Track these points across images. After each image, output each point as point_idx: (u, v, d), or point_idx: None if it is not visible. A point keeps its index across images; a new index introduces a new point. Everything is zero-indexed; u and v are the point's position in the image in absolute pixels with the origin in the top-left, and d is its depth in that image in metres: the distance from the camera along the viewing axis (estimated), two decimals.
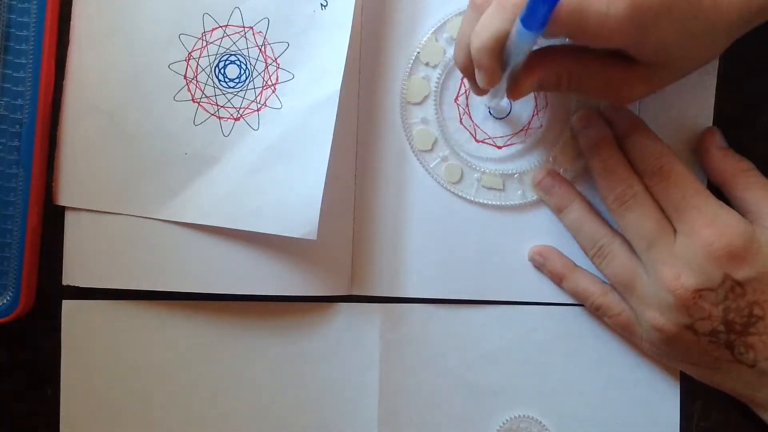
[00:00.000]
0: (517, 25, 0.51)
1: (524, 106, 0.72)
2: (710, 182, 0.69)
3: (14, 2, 0.70)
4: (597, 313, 0.71)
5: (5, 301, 0.71)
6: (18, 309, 0.71)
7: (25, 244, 0.71)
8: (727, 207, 0.64)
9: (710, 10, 0.56)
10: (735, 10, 0.57)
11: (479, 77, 0.59)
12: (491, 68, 0.58)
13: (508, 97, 0.62)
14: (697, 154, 0.71)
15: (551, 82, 0.62)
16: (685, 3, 0.56)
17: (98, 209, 0.72)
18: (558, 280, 0.72)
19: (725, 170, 0.68)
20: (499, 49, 0.57)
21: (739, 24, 0.58)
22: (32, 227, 0.71)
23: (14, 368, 0.75)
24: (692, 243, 0.62)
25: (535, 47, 0.63)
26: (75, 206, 0.72)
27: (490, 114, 0.72)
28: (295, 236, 0.68)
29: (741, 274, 0.61)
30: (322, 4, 0.69)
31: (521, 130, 0.72)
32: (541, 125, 0.72)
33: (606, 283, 0.70)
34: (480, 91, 0.66)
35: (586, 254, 0.70)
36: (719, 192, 0.68)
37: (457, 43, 0.63)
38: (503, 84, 0.62)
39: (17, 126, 0.70)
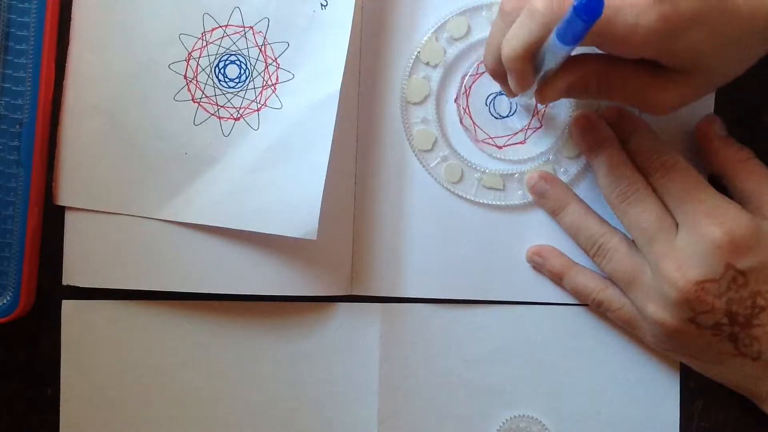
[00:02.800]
0: (553, 37, 0.52)
1: (524, 107, 0.72)
2: (710, 173, 0.69)
3: (14, 2, 0.70)
4: (599, 309, 0.71)
5: (5, 301, 0.71)
6: (18, 309, 0.71)
7: (25, 244, 0.71)
8: (728, 199, 0.64)
9: (746, 16, 0.56)
10: None
11: (512, 82, 0.60)
12: (523, 73, 0.59)
13: (538, 101, 0.63)
14: (697, 143, 0.70)
15: (580, 88, 0.62)
16: (718, 11, 0.55)
17: (98, 209, 0.72)
18: (557, 279, 0.72)
19: (726, 160, 0.68)
20: (531, 56, 0.58)
21: None
22: (32, 227, 0.72)
23: (14, 368, 0.75)
24: (693, 234, 0.62)
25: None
26: (75, 206, 0.72)
27: (491, 114, 0.72)
28: (295, 236, 0.68)
29: (743, 263, 0.61)
30: (322, 4, 0.69)
31: (521, 130, 0.72)
32: (541, 125, 0.72)
33: (606, 278, 0.70)
34: (512, 94, 0.66)
35: (587, 254, 0.71)
36: (719, 183, 0.68)
37: (486, 49, 0.64)
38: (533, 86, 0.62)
39: (17, 126, 0.70)
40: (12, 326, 0.73)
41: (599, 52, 0.63)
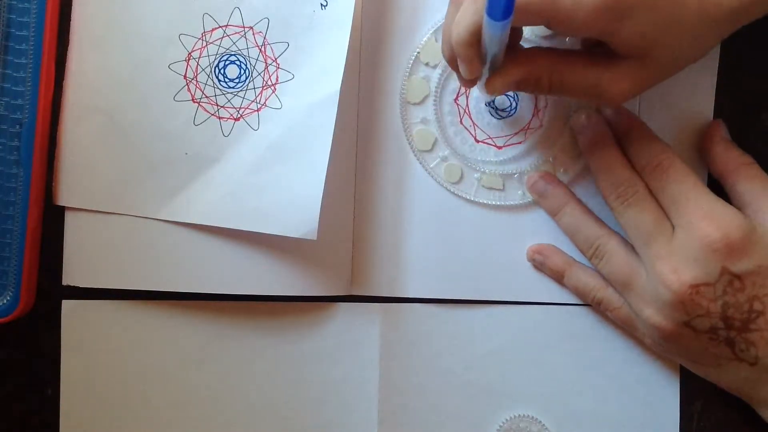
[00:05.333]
0: (485, 17, 0.52)
1: (524, 106, 0.72)
2: (710, 175, 0.70)
3: (14, 2, 0.70)
4: (598, 308, 0.71)
5: (5, 301, 0.71)
6: (18, 309, 0.71)
7: (25, 244, 0.71)
8: (725, 201, 0.63)
9: (694, 4, 0.56)
10: (725, 4, 0.56)
11: (462, 68, 0.60)
12: (470, 60, 0.59)
13: (487, 92, 0.63)
14: (700, 146, 0.71)
15: (530, 82, 0.62)
16: None
17: (98, 209, 0.72)
18: (558, 277, 0.72)
19: (727, 162, 0.68)
20: (475, 40, 0.57)
21: (729, 19, 0.58)
22: (32, 227, 0.72)
23: (14, 368, 0.75)
24: (689, 237, 0.62)
25: (526, 45, 0.64)
26: (75, 206, 0.72)
27: (491, 114, 0.72)
28: (295, 236, 0.68)
29: (739, 267, 0.61)
30: (322, 4, 0.69)
31: (521, 130, 0.72)
32: (541, 125, 0.72)
33: None
34: (466, 83, 0.66)
35: (584, 255, 0.71)
36: (718, 186, 0.68)
37: (442, 37, 0.64)
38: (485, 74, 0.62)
39: (17, 126, 0.70)
40: (12, 326, 0.73)
41: (550, 47, 0.64)
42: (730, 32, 0.60)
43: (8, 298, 0.71)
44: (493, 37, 0.55)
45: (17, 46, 0.70)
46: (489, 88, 0.62)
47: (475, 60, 0.59)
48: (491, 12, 0.50)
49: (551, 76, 0.62)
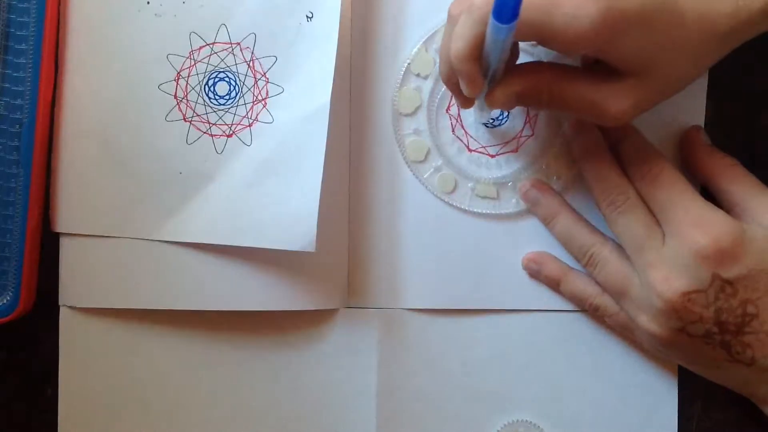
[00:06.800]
0: (491, 21, 0.51)
1: (516, 114, 0.72)
2: (696, 180, 0.69)
3: (14, 2, 0.70)
4: (596, 314, 0.71)
5: (5, 301, 0.72)
6: (18, 309, 0.72)
7: (25, 244, 0.72)
8: (714, 206, 0.63)
9: (692, 23, 0.56)
10: (723, 22, 0.56)
11: (463, 86, 0.60)
12: (471, 74, 0.58)
13: (487, 105, 0.62)
14: (682, 152, 0.71)
15: (531, 95, 0.62)
16: (666, 14, 0.56)
17: (96, 233, 0.72)
18: (554, 284, 0.72)
19: (711, 166, 0.68)
20: (476, 53, 0.57)
21: (727, 37, 0.58)
22: (32, 227, 0.72)
23: (14, 368, 0.76)
24: (679, 244, 0.62)
25: (521, 62, 0.64)
26: (73, 232, 0.72)
27: (483, 123, 0.72)
28: (294, 249, 0.68)
29: (731, 272, 0.61)
30: (307, 16, 0.69)
31: (513, 138, 0.72)
32: (533, 133, 0.72)
33: None
34: (466, 103, 0.65)
35: (578, 263, 0.71)
36: (705, 191, 0.68)
37: (440, 58, 0.63)
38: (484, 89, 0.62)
39: (17, 126, 0.71)
40: (12, 326, 0.73)
41: (552, 63, 0.63)
42: (729, 51, 0.60)
43: (8, 298, 0.72)
44: (498, 43, 0.54)
45: (17, 46, 0.70)
46: (490, 100, 0.62)
47: (477, 75, 0.58)
48: (498, 15, 0.50)
49: (551, 90, 0.61)
